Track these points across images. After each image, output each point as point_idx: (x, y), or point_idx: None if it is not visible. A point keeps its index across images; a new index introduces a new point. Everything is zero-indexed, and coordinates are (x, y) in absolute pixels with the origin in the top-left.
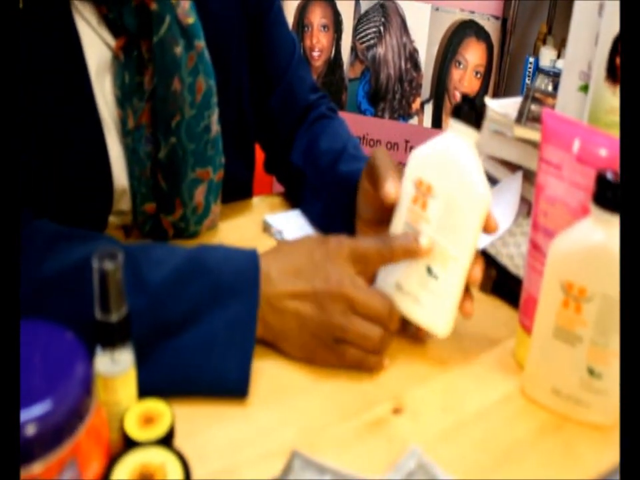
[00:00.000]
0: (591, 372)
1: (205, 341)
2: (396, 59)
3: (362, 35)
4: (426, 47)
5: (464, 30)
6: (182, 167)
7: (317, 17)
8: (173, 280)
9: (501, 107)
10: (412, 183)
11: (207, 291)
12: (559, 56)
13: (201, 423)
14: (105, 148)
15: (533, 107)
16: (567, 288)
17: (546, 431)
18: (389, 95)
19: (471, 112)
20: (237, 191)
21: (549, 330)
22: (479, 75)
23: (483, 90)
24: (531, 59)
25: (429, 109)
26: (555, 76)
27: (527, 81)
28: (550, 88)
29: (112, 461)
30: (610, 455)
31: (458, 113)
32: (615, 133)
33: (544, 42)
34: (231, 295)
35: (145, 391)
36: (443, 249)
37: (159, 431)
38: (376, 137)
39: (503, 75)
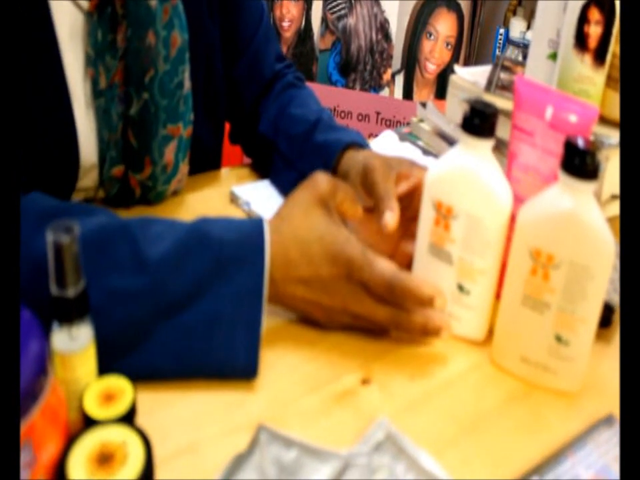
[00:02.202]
0: (559, 339)
1: (209, 319)
2: (367, 29)
3: (332, 5)
4: (397, 18)
5: (434, 0)
6: (153, 123)
7: None
8: (173, 255)
9: (471, 75)
10: (431, 205)
11: (209, 264)
12: (528, 27)
13: (163, 397)
14: (73, 124)
15: (503, 75)
16: (535, 255)
17: (514, 399)
18: (359, 66)
19: (483, 124)
20: (205, 159)
21: (517, 297)
22: (449, 47)
23: (454, 61)
24: (501, 30)
25: (399, 80)
26: (524, 47)
27: (498, 52)
28: (520, 57)
29: (70, 441)
30: (577, 421)
31: (469, 127)
32: (583, 100)
33: (514, 13)
34: (236, 266)
35: (146, 374)
36: (471, 264)
37: (120, 408)
38: (347, 108)
39: (474, 45)
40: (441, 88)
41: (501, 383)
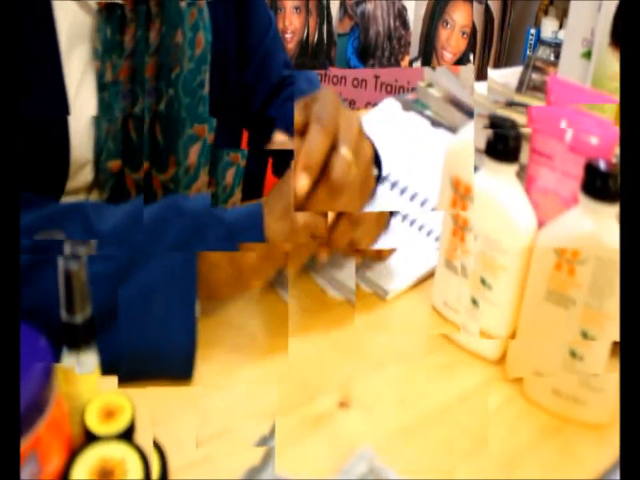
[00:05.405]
0: (573, 354)
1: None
2: (385, 15)
3: None
4: (414, 5)
5: None
6: (179, 121)
7: None
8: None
9: (501, 77)
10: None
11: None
12: (560, 26)
13: (177, 408)
14: (65, 121)
15: (534, 76)
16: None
17: (520, 422)
18: (378, 52)
19: (507, 148)
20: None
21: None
22: (465, 35)
23: (469, 50)
24: (532, 31)
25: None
26: (556, 46)
27: (529, 53)
28: (552, 57)
29: (72, 455)
30: (608, 453)
31: (492, 152)
32: (604, 119)
33: (545, 12)
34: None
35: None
36: (492, 258)
37: (120, 425)
38: (340, 73)
39: (504, 46)
40: None
41: (509, 409)
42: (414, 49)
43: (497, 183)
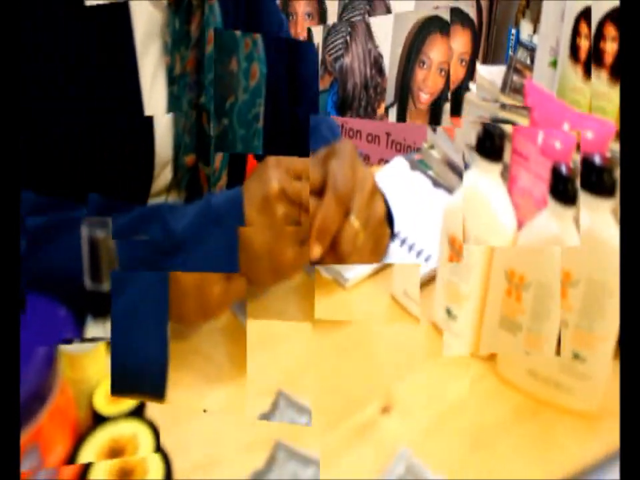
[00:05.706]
0: (576, 356)
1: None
2: (361, 66)
3: (330, 47)
4: (390, 49)
5: (427, 27)
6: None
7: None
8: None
9: (490, 74)
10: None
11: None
12: (534, 30)
13: (182, 413)
14: (151, 122)
15: (515, 78)
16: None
17: (492, 402)
18: (355, 102)
19: (493, 146)
20: None
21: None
22: (443, 73)
23: (447, 87)
24: (513, 31)
25: (393, 113)
26: (531, 50)
27: (510, 52)
28: (528, 61)
29: (79, 440)
30: (594, 444)
31: (482, 150)
32: (580, 111)
33: (523, 14)
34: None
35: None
36: (457, 286)
37: (130, 402)
38: (355, 126)
39: (491, 41)
40: (434, 117)
41: (479, 381)
42: (389, 94)
43: (484, 180)
